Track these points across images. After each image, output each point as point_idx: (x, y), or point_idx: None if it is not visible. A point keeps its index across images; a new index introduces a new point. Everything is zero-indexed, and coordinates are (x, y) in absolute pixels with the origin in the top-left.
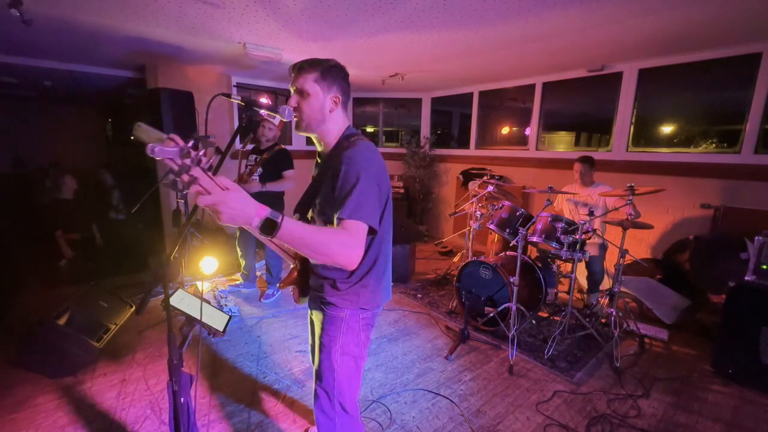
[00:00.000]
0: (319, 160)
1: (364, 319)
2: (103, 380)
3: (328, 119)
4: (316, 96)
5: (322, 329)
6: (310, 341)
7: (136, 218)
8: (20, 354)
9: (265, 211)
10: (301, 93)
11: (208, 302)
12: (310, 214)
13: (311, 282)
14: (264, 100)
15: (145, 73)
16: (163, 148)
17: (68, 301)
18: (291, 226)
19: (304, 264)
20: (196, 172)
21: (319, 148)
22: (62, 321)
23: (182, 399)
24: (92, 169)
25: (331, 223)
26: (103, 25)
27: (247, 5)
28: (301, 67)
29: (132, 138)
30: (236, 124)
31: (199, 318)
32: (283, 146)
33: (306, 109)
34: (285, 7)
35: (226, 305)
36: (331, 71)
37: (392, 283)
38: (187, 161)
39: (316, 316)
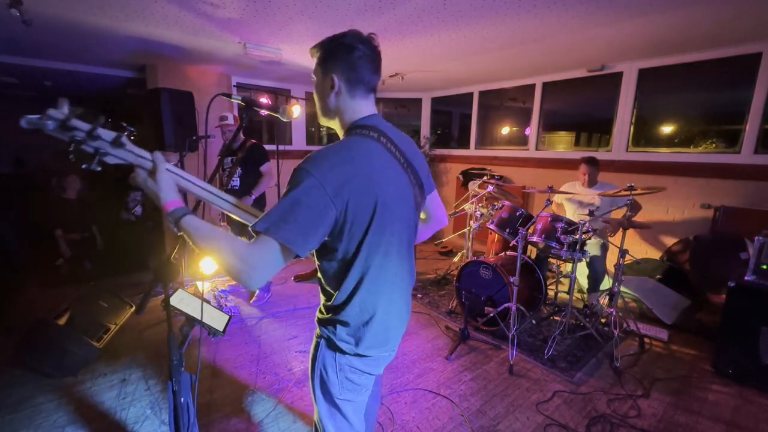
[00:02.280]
0: None
1: (342, 365)
2: (103, 380)
3: (333, 106)
4: (318, 80)
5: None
6: None
7: (145, 217)
8: (20, 354)
9: (171, 207)
10: (313, 78)
11: (208, 302)
12: None
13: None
14: (264, 100)
15: (145, 73)
16: (33, 119)
17: (68, 301)
18: (192, 224)
19: None
20: (103, 145)
21: None
22: (62, 321)
23: (182, 399)
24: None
25: None
26: (103, 25)
27: (247, 5)
28: (313, 52)
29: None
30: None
31: (199, 318)
32: (254, 141)
33: (315, 95)
34: (285, 7)
35: (226, 305)
36: (332, 52)
37: None
38: (79, 134)
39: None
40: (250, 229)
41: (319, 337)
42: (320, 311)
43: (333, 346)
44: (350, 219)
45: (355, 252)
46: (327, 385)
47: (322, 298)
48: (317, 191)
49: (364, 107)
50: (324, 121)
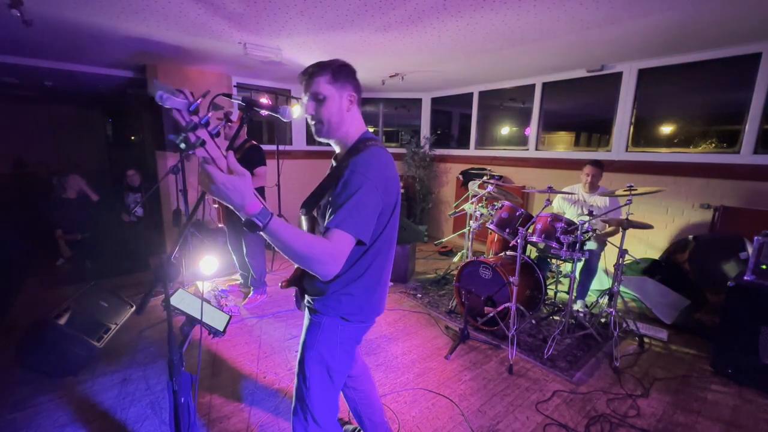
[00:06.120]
0: (334, 162)
1: (345, 331)
2: (103, 380)
3: (347, 120)
4: (332, 98)
5: (304, 335)
6: None
7: (147, 217)
8: (20, 354)
9: (255, 209)
10: (317, 98)
11: (208, 302)
12: (314, 213)
13: (305, 284)
14: (264, 100)
15: (145, 73)
16: (172, 97)
17: (68, 301)
18: (277, 227)
19: None
20: (203, 134)
21: (336, 150)
22: (62, 321)
23: (182, 399)
24: (96, 169)
25: None
26: (103, 26)
27: (247, 5)
28: (312, 72)
29: (153, 100)
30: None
31: (199, 318)
32: (254, 142)
33: (325, 113)
34: (285, 7)
35: (226, 305)
36: (342, 71)
37: (392, 283)
38: (195, 118)
39: (305, 320)
40: (322, 227)
41: (322, 314)
42: (319, 291)
43: (337, 317)
44: (388, 209)
45: (377, 238)
46: (326, 359)
47: (323, 280)
48: (374, 190)
49: (362, 120)
50: (327, 137)
